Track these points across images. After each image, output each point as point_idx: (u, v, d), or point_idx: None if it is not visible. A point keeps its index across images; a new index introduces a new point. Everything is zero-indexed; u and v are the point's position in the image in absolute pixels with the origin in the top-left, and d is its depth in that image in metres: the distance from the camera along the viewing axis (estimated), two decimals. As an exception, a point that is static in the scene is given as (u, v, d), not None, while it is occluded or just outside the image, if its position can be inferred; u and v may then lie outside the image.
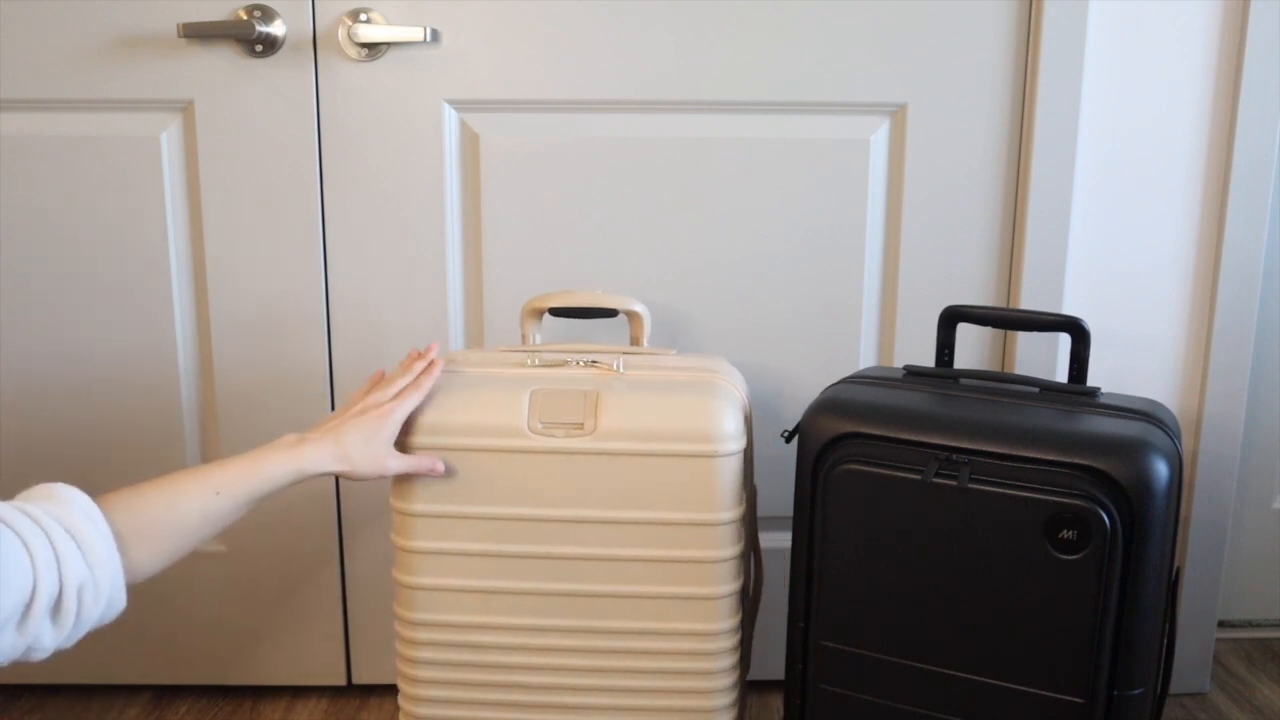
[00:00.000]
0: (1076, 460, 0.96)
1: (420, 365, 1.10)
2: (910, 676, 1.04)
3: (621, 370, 1.11)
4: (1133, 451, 0.96)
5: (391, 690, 1.44)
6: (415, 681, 1.12)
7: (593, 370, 1.11)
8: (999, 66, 1.34)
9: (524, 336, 1.22)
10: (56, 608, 0.81)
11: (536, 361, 1.13)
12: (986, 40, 1.33)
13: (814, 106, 1.35)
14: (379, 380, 1.10)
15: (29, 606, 0.79)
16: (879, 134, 1.37)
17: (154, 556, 0.91)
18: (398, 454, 1.05)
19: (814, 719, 1.11)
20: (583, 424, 1.05)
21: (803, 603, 1.10)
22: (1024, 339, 1.40)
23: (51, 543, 0.81)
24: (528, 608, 1.09)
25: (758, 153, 1.36)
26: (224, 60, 1.32)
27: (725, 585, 1.08)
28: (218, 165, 1.35)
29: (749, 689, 1.46)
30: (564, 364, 1.12)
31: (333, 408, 1.41)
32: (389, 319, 1.39)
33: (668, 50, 1.33)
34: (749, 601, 1.19)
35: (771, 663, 1.39)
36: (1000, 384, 1.14)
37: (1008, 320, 1.25)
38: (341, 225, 1.37)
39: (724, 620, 1.09)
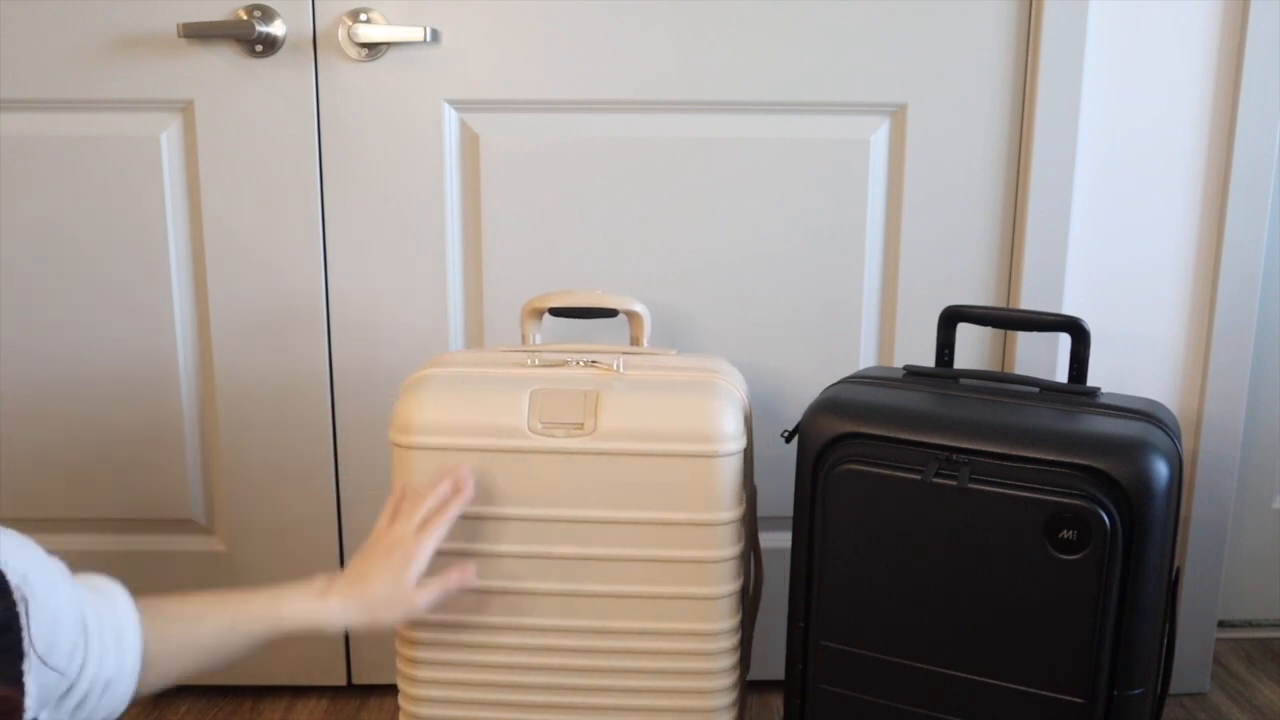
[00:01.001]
0: (1076, 460, 0.96)
1: (446, 489, 1.04)
2: (910, 676, 1.04)
3: (621, 370, 1.11)
4: (1133, 451, 0.96)
5: (392, 690, 1.44)
6: (415, 681, 1.12)
7: (593, 370, 1.11)
8: (999, 66, 1.34)
9: (524, 336, 1.22)
10: (82, 699, 0.80)
11: (536, 361, 1.13)
12: (986, 40, 1.33)
13: (814, 106, 1.35)
14: (401, 500, 1.05)
15: (72, 686, 0.78)
16: (879, 134, 1.37)
17: (160, 675, 0.89)
18: (423, 589, 1.00)
19: (814, 719, 1.11)
20: (583, 424, 1.05)
21: (803, 603, 1.10)
22: (1024, 339, 1.40)
23: (101, 633, 0.80)
24: (528, 607, 1.09)
25: (758, 153, 1.36)
26: (224, 60, 1.32)
27: (725, 585, 1.08)
28: (218, 165, 1.35)
29: (749, 689, 1.46)
30: (564, 364, 1.12)
31: (333, 408, 1.41)
32: (389, 319, 1.39)
33: (668, 50, 1.33)
34: (749, 601, 1.19)
35: (771, 663, 1.39)
36: (1000, 384, 1.14)
37: (1008, 320, 1.25)
38: (341, 225, 1.37)
39: (724, 620, 1.09)
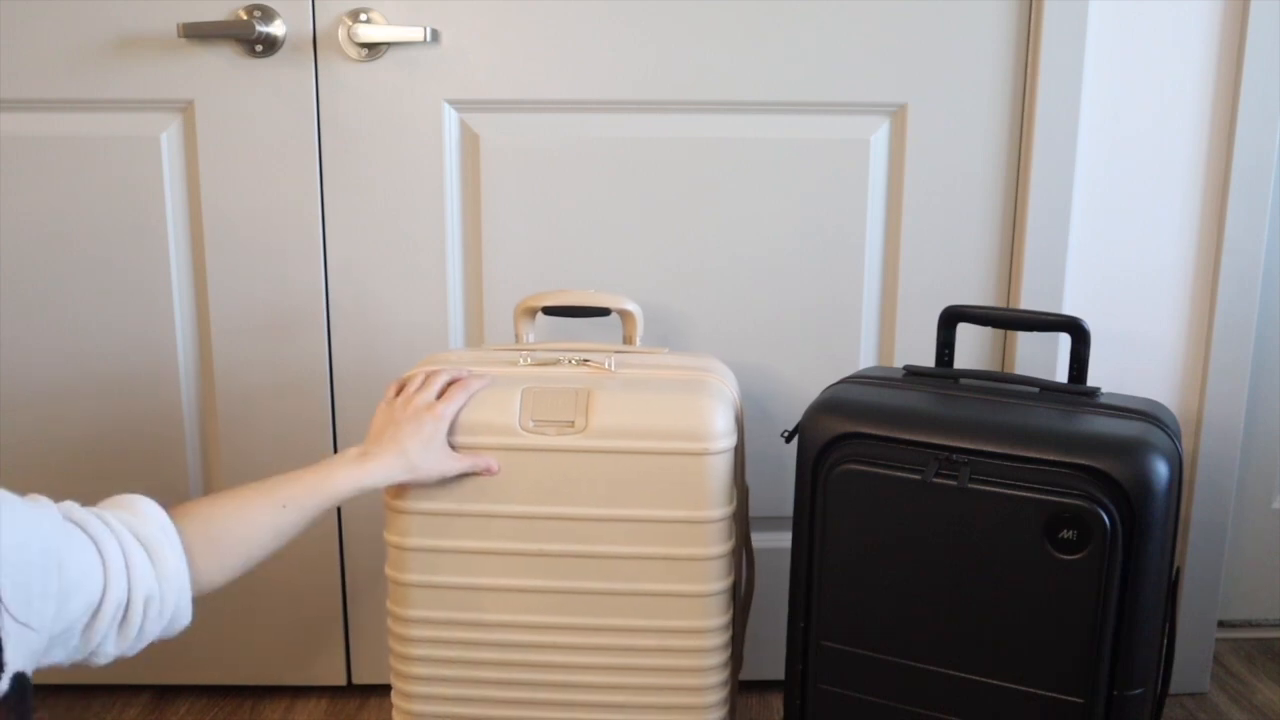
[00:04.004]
0: (1076, 460, 0.96)
1: (453, 371, 1.09)
2: (910, 676, 1.04)
3: (613, 369, 1.11)
4: (1133, 451, 0.96)
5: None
6: (408, 678, 1.12)
7: (585, 369, 1.11)
8: (999, 66, 1.34)
9: (517, 335, 1.22)
10: (123, 617, 0.81)
11: (529, 360, 1.13)
12: (986, 40, 1.33)
13: (814, 106, 1.35)
14: (404, 383, 1.08)
15: (96, 612, 0.79)
16: (879, 134, 1.37)
17: (221, 570, 0.92)
18: (454, 455, 1.05)
19: (814, 719, 1.11)
20: (574, 422, 1.05)
21: (803, 603, 1.10)
22: (1024, 339, 1.40)
23: (124, 551, 0.81)
24: (519, 605, 1.09)
25: (758, 153, 1.36)
26: (224, 60, 1.32)
27: (715, 583, 1.08)
28: (218, 165, 1.35)
29: (749, 689, 1.46)
30: (556, 362, 1.12)
31: (333, 408, 1.41)
32: (389, 319, 1.39)
33: (667, 50, 1.33)
34: (740, 599, 1.19)
35: (771, 663, 1.39)
36: (1000, 384, 1.14)
37: (1008, 320, 1.25)
38: (341, 225, 1.37)
39: (714, 617, 1.09)
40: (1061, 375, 1.40)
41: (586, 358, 1.12)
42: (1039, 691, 1.00)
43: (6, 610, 0.69)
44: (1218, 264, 1.40)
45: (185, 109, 1.34)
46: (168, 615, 0.85)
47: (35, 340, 1.39)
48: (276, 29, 1.30)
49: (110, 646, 0.82)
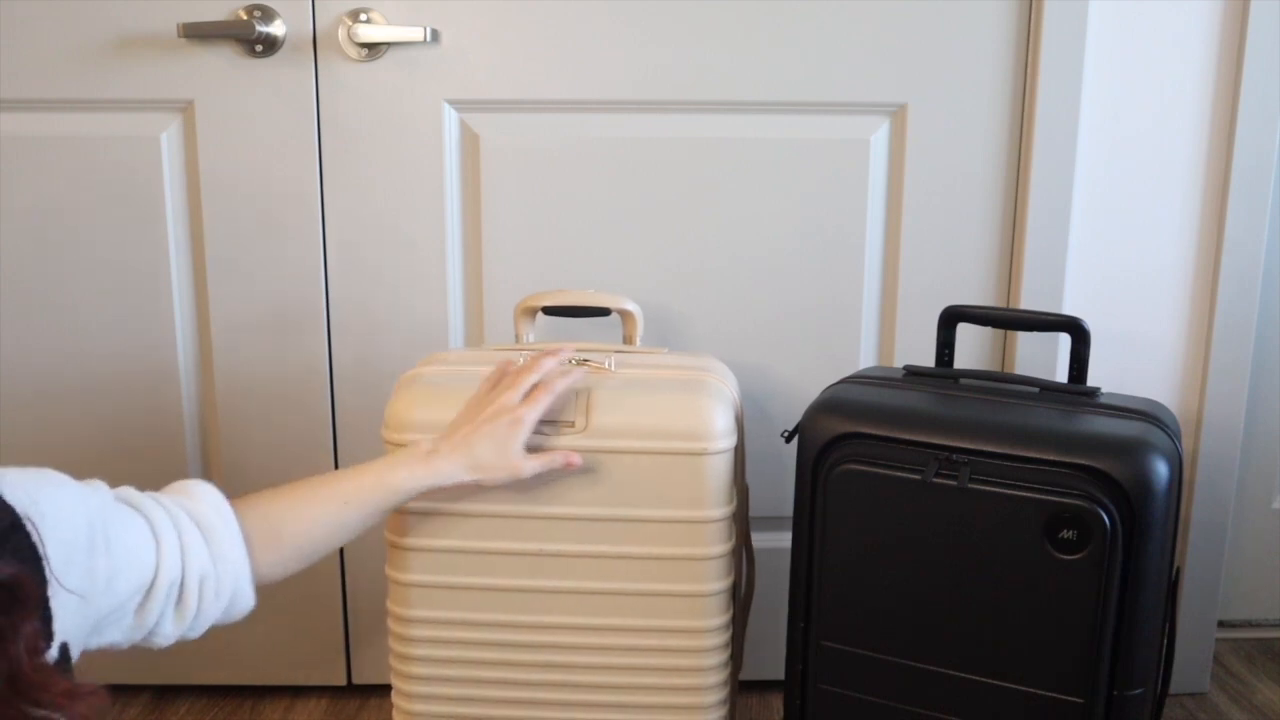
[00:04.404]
0: (1076, 460, 0.95)
1: (551, 364, 1.05)
2: (910, 676, 1.04)
3: (613, 369, 1.11)
4: (1133, 451, 0.96)
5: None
6: (408, 678, 1.12)
7: (584, 369, 1.11)
8: (999, 66, 1.34)
9: (517, 335, 1.22)
10: (179, 598, 0.82)
11: (528, 360, 1.13)
12: (986, 40, 1.33)
13: (814, 106, 1.35)
14: (504, 374, 1.05)
15: (149, 591, 0.79)
16: (879, 134, 1.37)
17: (281, 563, 0.92)
18: (530, 457, 1.01)
19: (814, 719, 1.11)
20: (574, 421, 1.05)
21: (803, 603, 1.10)
22: (1024, 339, 1.40)
23: (178, 531, 0.82)
24: (518, 604, 1.09)
25: (758, 153, 1.36)
26: (224, 60, 1.32)
27: (715, 583, 1.08)
28: (218, 165, 1.35)
29: (749, 689, 1.46)
30: None
31: (333, 407, 1.41)
32: (389, 319, 1.39)
33: (667, 50, 1.33)
34: (740, 599, 1.19)
35: (771, 663, 1.39)
36: (1000, 384, 1.14)
37: (1008, 320, 1.25)
38: (341, 225, 1.37)
39: (714, 617, 1.09)
40: (1061, 375, 1.40)
41: (586, 358, 1.12)
42: (1039, 691, 1.00)
43: (56, 580, 0.69)
44: (1218, 264, 1.40)
45: (185, 109, 1.34)
46: (225, 597, 0.85)
47: (35, 340, 1.39)
48: (276, 29, 1.30)
49: (168, 627, 0.82)
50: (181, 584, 0.82)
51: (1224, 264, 1.40)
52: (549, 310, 1.21)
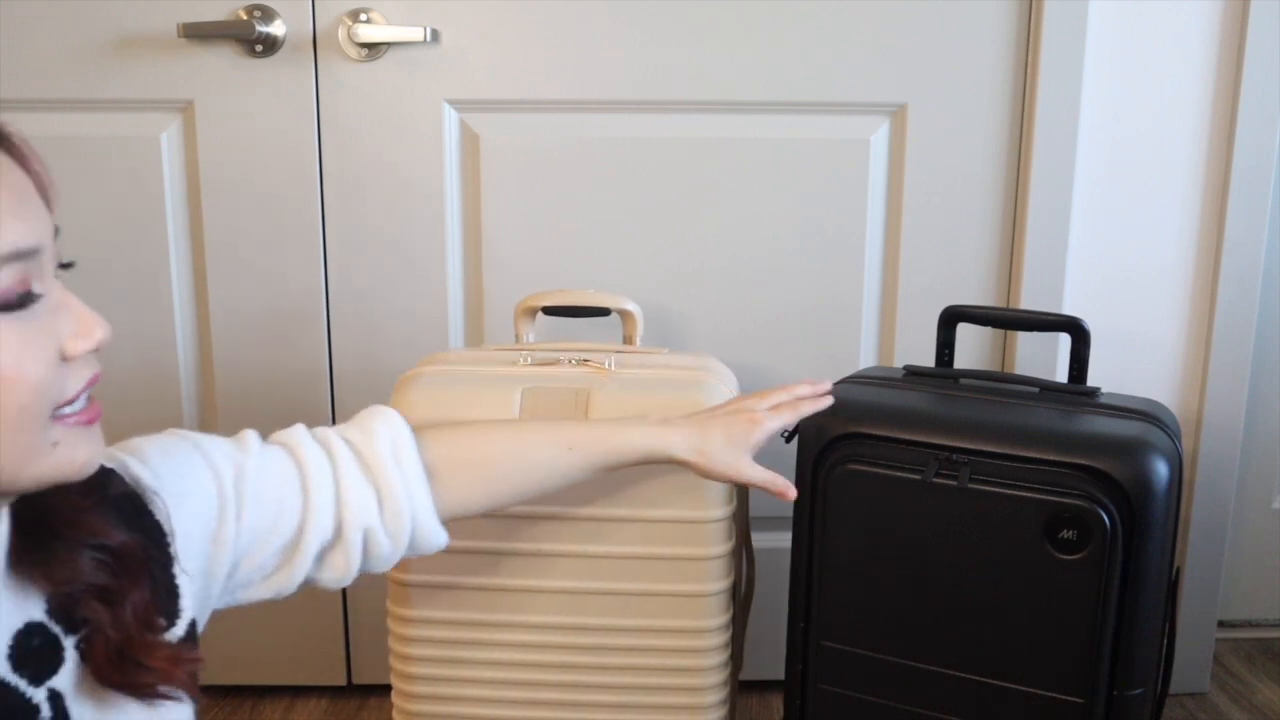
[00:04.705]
0: (1076, 460, 0.95)
1: (804, 390, 1.03)
2: (910, 676, 1.04)
3: (613, 369, 1.11)
4: (1133, 451, 0.95)
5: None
6: (409, 678, 1.12)
7: (584, 369, 1.11)
8: (999, 66, 1.34)
9: (517, 335, 1.22)
10: (334, 549, 0.81)
11: (528, 360, 1.13)
12: (986, 40, 1.33)
13: (814, 106, 1.35)
14: (745, 398, 1.03)
15: (294, 547, 0.79)
16: (879, 134, 1.37)
17: (486, 496, 0.89)
18: (756, 465, 0.98)
19: (814, 719, 1.11)
20: None
21: (803, 603, 1.10)
22: (1024, 339, 1.40)
23: (336, 485, 0.80)
24: (518, 605, 1.09)
25: (758, 153, 1.36)
26: (224, 60, 1.31)
27: (715, 583, 1.08)
28: (218, 165, 1.35)
29: (749, 689, 1.46)
30: (556, 362, 1.12)
31: (333, 408, 1.41)
32: (389, 318, 1.39)
33: (667, 50, 1.33)
34: (740, 599, 1.19)
35: (771, 663, 1.39)
36: (1000, 384, 1.13)
37: (1008, 320, 1.25)
38: (341, 225, 1.37)
39: (714, 617, 1.09)
40: (1061, 375, 1.39)
41: (586, 358, 1.12)
42: (1039, 691, 1.00)
43: (178, 562, 0.70)
44: (1218, 264, 1.40)
45: (185, 109, 1.34)
46: (404, 542, 0.83)
47: (35, 340, 1.39)
48: (276, 29, 1.30)
49: (329, 573, 0.82)
50: (338, 537, 0.80)
51: (1224, 264, 1.40)
52: (549, 310, 1.21)
